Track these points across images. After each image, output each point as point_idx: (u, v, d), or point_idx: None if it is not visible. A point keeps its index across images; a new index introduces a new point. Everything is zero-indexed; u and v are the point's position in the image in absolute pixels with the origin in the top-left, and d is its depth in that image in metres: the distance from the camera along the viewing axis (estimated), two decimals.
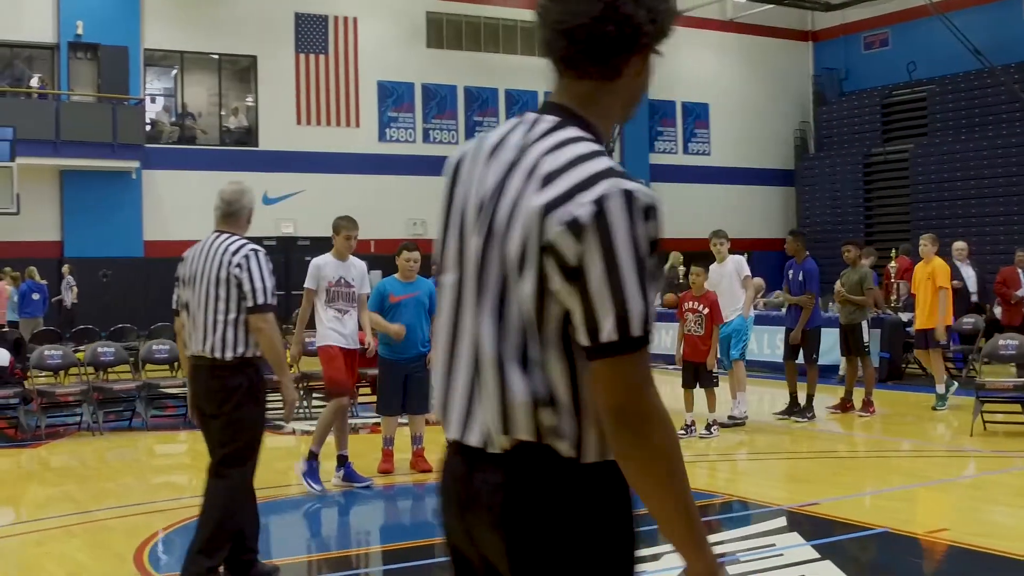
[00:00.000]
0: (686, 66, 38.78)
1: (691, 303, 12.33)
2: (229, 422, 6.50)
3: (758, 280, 16.85)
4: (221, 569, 6.56)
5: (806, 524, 8.27)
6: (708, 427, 12.30)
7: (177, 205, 31.20)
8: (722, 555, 7.23)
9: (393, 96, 34.53)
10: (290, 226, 32.83)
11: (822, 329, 14.03)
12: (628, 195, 2.34)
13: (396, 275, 10.82)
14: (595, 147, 2.48)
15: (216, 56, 32.96)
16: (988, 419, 12.08)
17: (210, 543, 6.37)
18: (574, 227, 2.32)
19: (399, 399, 10.60)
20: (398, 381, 10.53)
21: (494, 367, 2.47)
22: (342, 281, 9.97)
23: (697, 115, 39.29)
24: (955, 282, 16.54)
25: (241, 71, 33.59)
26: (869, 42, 39.04)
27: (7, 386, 13.59)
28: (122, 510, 9.26)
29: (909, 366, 17.80)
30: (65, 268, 27.53)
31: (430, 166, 33.95)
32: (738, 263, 13.07)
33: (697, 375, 12.31)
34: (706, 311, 12.17)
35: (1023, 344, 12.47)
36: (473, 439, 2.51)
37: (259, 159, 32.69)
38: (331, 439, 10.03)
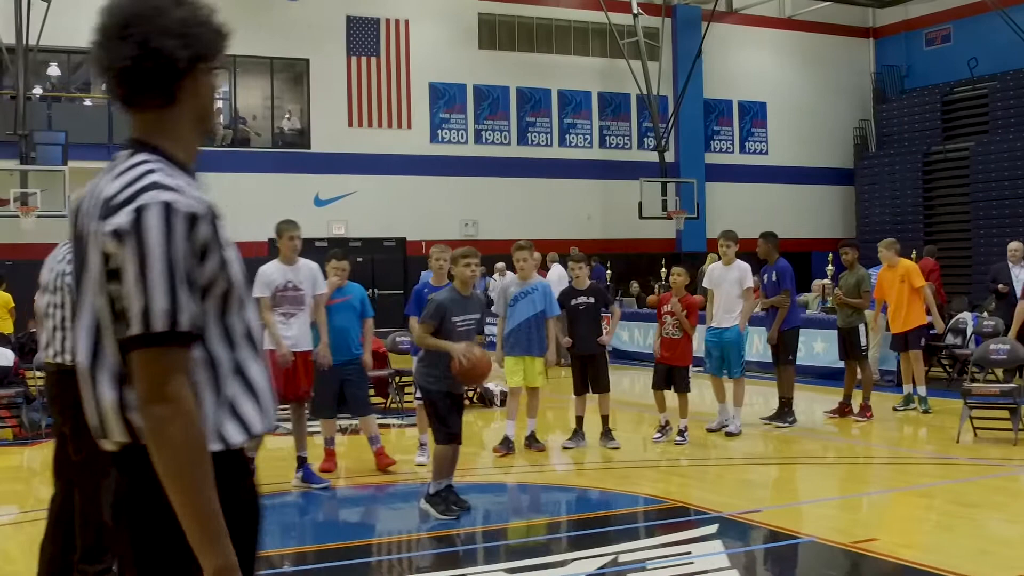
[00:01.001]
0: (743, 65, 38.50)
1: (670, 305, 12.23)
2: None
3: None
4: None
5: (735, 532, 8.17)
6: (681, 432, 12.17)
7: (229, 206, 31.27)
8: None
9: (445, 97, 34.66)
10: (342, 227, 33.11)
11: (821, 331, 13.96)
12: (166, 205, 2.59)
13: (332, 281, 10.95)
14: (151, 167, 2.74)
15: (269, 59, 33.32)
16: (979, 425, 11.84)
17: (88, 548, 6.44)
18: (117, 235, 2.57)
19: (333, 402, 10.68)
20: (331, 384, 10.59)
21: (88, 378, 2.70)
22: (290, 285, 10.01)
23: (754, 114, 38.88)
24: (1002, 285, 16.24)
25: (294, 74, 33.94)
26: (931, 38, 38.35)
27: (11, 386, 13.91)
28: None
29: (932, 369, 17.47)
30: None
31: (482, 167, 34.16)
32: (743, 271, 12.76)
33: (671, 378, 12.20)
34: (684, 312, 12.07)
35: (1015, 349, 12.17)
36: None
37: (311, 161, 33.02)
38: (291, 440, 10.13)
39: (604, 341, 12.12)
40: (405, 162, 33.79)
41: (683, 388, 12.19)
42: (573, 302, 12.14)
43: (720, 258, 13.18)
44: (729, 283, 12.67)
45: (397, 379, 15.47)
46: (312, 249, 32.04)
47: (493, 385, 15.79)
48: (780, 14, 39.00)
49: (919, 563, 7.03)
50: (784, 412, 13.11)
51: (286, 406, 10.19)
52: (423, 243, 33.27)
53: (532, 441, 11.72)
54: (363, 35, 33.58)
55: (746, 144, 38.87)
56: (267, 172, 32.55)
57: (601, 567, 7.24)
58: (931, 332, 14.83)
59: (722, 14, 37.66)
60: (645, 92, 34.52)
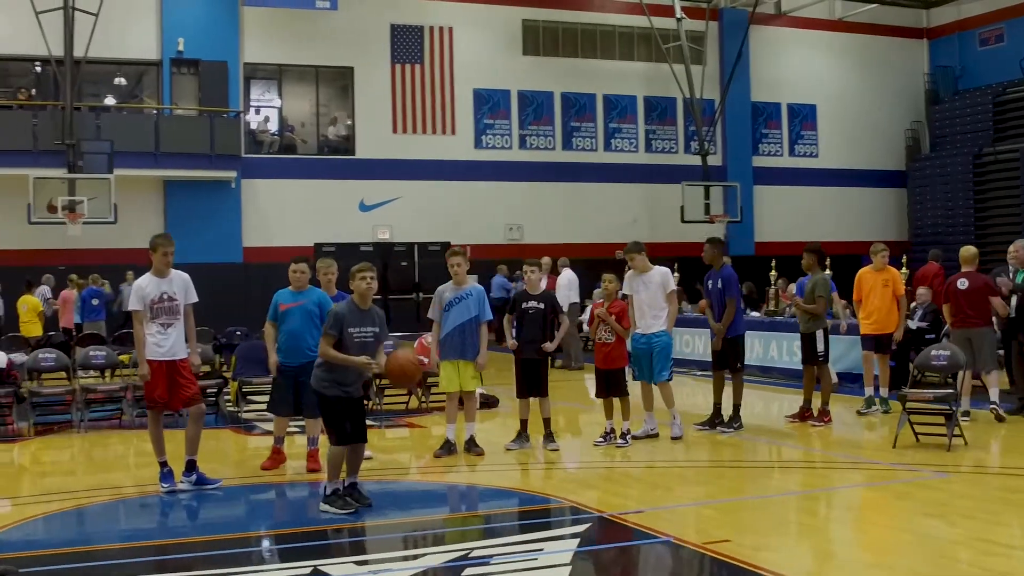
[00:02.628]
0: (792, 67, 38.33)
1: (602, 310, 12.39)
2: None
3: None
4: None
5: (600, 531, 8.37)
6: (623, 435, 12.33)
7: (276, 212, 32.37)
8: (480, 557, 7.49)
9: (489, 103, 35.03)
10: (386, 232, 33.64)
11: (832, 337, 14.04)
12: None
13: (290, 286, 11.31)
14: None
15: (314, 68, 33.97)
16: (921, 431, 11.85)
17: None
18: None
19: (290, 402, 11.07)
20: (289, 385, 11.02)
21: None
22: (164, 296, 10.31)
23: (804, 116, 38.64)
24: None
25: (339, 82, 34.53)
26: (984, 38, 37.83)
27: (2, 386, 14.58)
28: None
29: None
30: (129, 274, 28.77)
31: (527, 172, 34.50)
32: (664, 275, 12.82)
33: (609, 383, 12.36)
34: (613, 318, 12.23)
35: (955, 355, 12.15)
36: None
37: (356, 167, 33.60)
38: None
39: (547, 348, 12.31)
40: (449, 168, 34.23)
41: (621, 392, 12.36)
42: (524, 305, 12.36)
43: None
44: (652, 288, 12.71)
45: (377, 382, 15.82)
46: (357, 254, 32.91)
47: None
48: (830, 16, 38.72)
49: (748, 562, 7.19)
50: (731, 418, 13.16)
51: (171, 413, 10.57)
52: (467, 247, 33.67)
53: (471, 445, 11.97)
54: (407, 43, 34.08)
55: (795, 147, 38.65)
56: (313, 178, 33.20)
57: (447, 561, 7.52)
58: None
59: (770, 16, 37.58)
60: (689, 96, 34.53)
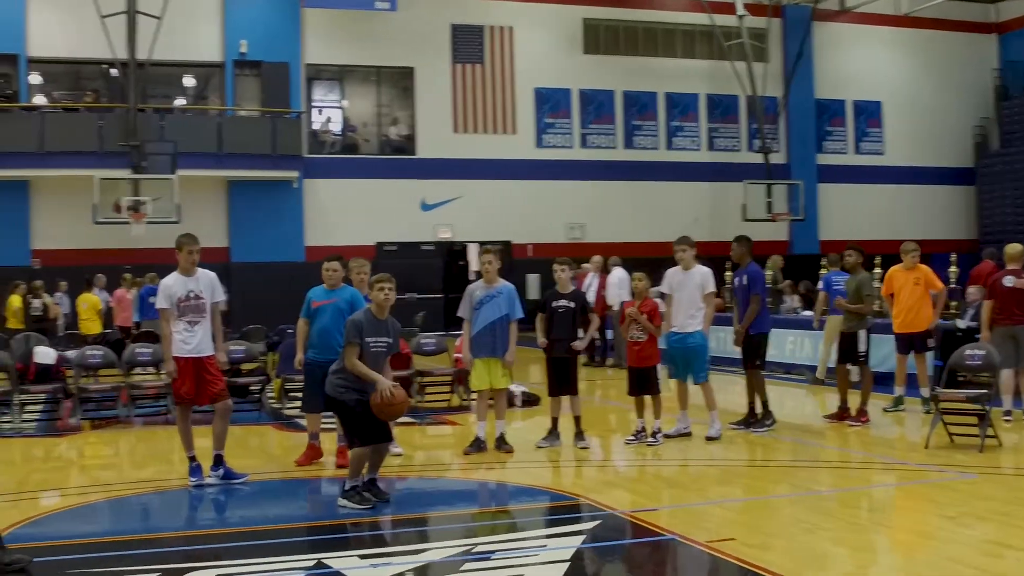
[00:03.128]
0: (857, 63, 37.94)
1: (633, 310, 12.37)
2: None
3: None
4: None
5: (608, 529, 8.38)
6: (653, 434, 12.30)
7: (338, 211, 32.68)
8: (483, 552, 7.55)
9: (550, 102, 35.07)
10: (447, 231, 33.82)
11: (875, 336, 13.90)
12: None
13: (323, 284, 11.46)
14: None
15: (376, 68, 34.24)
16: (955, 431, 11.68)
17: None
18: None
19: (320, 398, 11.17)
20: (319, 381, 11.10)
21: None
22: (191, 295, 10.45)
23: (869, 113, 38.23)
24: None
25: (400, 82, 34.76)
26: None
27: (52, 382, 14.92)
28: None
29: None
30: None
31: (589, 171, 34.50)
32: (704, 275, 12.74)
33: (641, 382, 12.34)
34: (644, 316, 12.21)
35: (989, 354, 11.96)
36: None
37: (417, 167, 33.83)
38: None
39: (577, 347, 12.31)
40: (510, 167, 34.34)
41: (654, 390, 12.34)
42: (554, 304, 12.38)
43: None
44: (691, 288, 12.66)
45: (419, 379, 15.96)
46: (419, 253, 33.16)
47: (515, 386, 16.15)
48: (895, 11, 38.23)
49: (745, 561, 7.17)
50: (763, 416, 13.09)
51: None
52: (529, 247, 33.86)
53: (501, 442, 12.00)
54: (468, 42, 34.25)
55: (860, 144, 38.24)
56: (375, 178, 33.47)
57: (450, 555, 7.59)
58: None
59: (834, 13, 37.22)
60: (751, 93, 34.31)
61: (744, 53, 34.01)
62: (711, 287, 12.66)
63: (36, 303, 22.38)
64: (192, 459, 10.50)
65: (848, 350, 13.71)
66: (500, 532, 8.56)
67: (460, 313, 12.18)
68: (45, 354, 15.00)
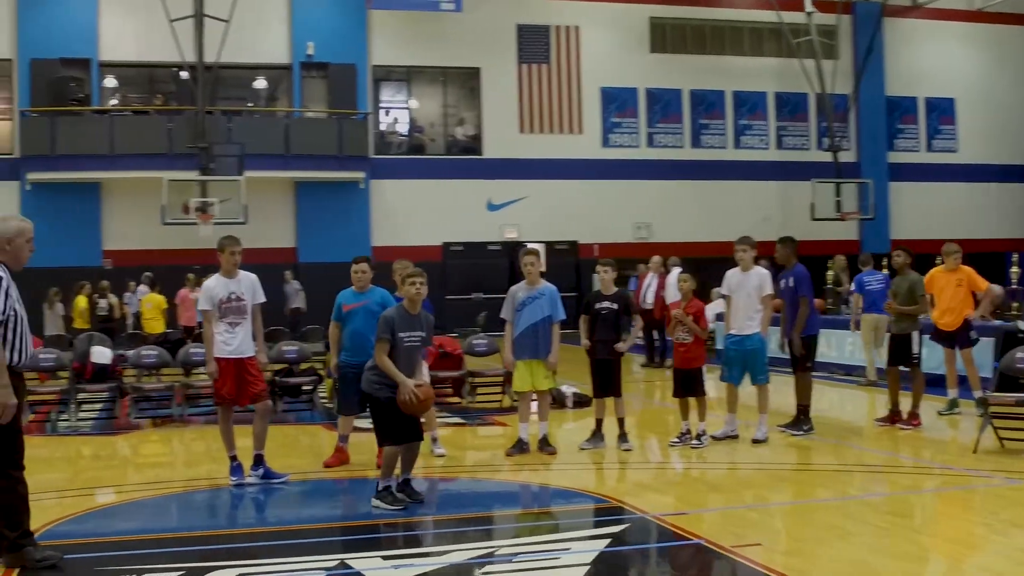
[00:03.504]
0: (929, 59, 37.39)
1: (679, 311, 12.30)
2: None
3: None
4: None
5: (635, 532, 8.33)
6: (698, 436, 12.19)
7: (404, 212, 32.86)
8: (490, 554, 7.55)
9: (616, 102, 34.99)
10: (514, 231, 33.86)
11: (925, 337, 13.69)
12: None
13: (352, 286, 11.50)
14: None
15: (442, 69, 34.37)
16: (1005, 436, 11.44)
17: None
18: None
19: (355, 401, 11.22)
20: (353, 384, 11.15)
21: None
22: (233, 296, 10.53)
23: (942, 110, 37.64)
24: None
25: (466, 83, 34.87)
26: None
27: (108, 381, 15.17)
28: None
29: None
30: (287, 274, 29.46)
31: (656, 170, 34.36)
32: (763, 277, 12.56)
33: (686, 384, 12.25)
34: (690, 318, 12.13)
35: None
36: None
37: (483, 167, 33.93)
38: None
39: (620, 349, 12.25)
40: (577, 166, 34.31)
41: (699, 392, 12.24)
42: (597, 306, 12.32)
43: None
44: (749, 290, 12.55)
45: (471, 380, 15.99)
46: (485, 253, 33.24)
47: (566, 387, 16.13)
48: (969, 6, 37.60)
49: (768, 567, 7.08)
50: (800, 420, 12.90)
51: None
52: (595, 246, 33.78)
53: (544, 444, 11.97)
54: (534, 43, 34.27)
55: (933, 142, 37.67)
56: (441, 178, 33.61)
57: (472, 557, 7.59)
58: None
59: (905, 8, 36.71)
60: (820, 91, 33.93)
61: (813, 50, 33.66)
62: (769, 289, 12.51)
63: (102, 303, 22.77)
64: (233, 459, 10.60)
65: (900, 352, 13.49)
66: (526, 534, 8.53)
67: (503, 315, 12.15)
68: (101, 354, 15.23)
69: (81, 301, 22.24)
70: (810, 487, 10.35)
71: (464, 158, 34.25)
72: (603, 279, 12.47)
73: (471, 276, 32.99)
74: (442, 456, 11.78)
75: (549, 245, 34.63)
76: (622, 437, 12.19)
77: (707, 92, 35.65)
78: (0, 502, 7.51)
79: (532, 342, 11.91)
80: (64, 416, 14.73)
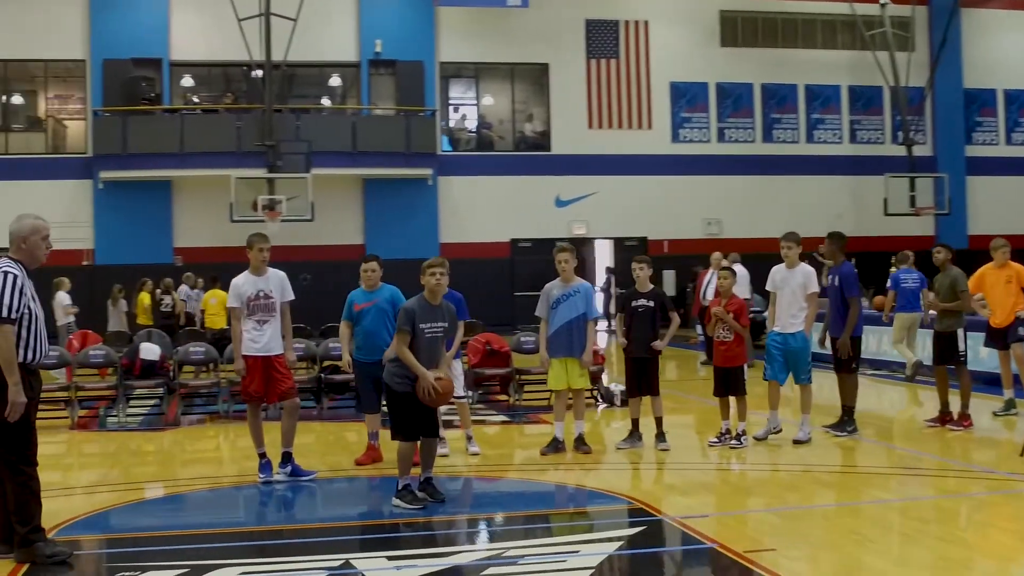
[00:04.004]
0: (1008, 51, 36.53)
1: (719, 309, 12.08)
2: None
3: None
4: None
5: (649, 535, 8.18)
6: (737, 437, 11.97)
7: (472, 209, 32.85)
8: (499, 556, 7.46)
9: (686, 96, 34.65)
10: (582, 227, 33.71)
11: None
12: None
13: (362, 285, 11.47)
14: None
15: (510, 65, 34.31)
16: None
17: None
18: None
19: (374, 399, 11.20)
20: (370, 383, 11.14)
21: None
22: (261, 294, 10.57)
23: (1022, 103, 36.71)
24: None
25: (534, 79, 34.75)
26: None
27: (157, 377, 15.31)
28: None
29: None
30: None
31: (726, 165, 33.98)
32: (808, 275, 12.29)
33: (726, 382, 12.04)
34: (731, 315, 11.93)
35: None
36: None
37: (551, 163, 33.79)
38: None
39: (658, 347, 12.07)
40: (646, 162, 34.04)
41: (739, 391, 12.02)
42: (633, 304, 12.17)
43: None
44: (793, 287, 12.29)
45: (518, 378, 15.89)
46: (553, 249, 33.07)
47: (614, 385, 15.99)
48: None
49: (775, 573, 6.95)
50: (844, 421, 12.59)
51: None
52: (665, 242, 33.52)
53: (580, 443, 11.83)
54: (602, 38, 34.06)
55: (1013, 135, 36.79)
56: (509, 175, 33.54)
57: (479, 559, 7.51)
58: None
59: None
60: (894, 84, 33.30)
61: (887, 43, 33.04)
62: (814, 287, 12.27)
63: (166, 300, 22.99)
64: (262, 456, 10.64)
65: (945, 350, 13.14)
66: (538, 536, 8.42)
67: (537, 312, 12.05)
68: (149, 350, 15.38)
69: (144, 298, 22.49)
70: (843, 490, 10.11)
71: (532, 154, 34.13)
72: (639, 276, 12.31)
73: (539, 272, 32.72)
74: (476, 455, 11.71)
75: (618, 241, 34.53)
76: (659, 437, 12.02)
77: (779, 86, 35.16)
78: (13, 498, 7.60)
79: (567, 340, 11.78)
80: (112, 413, 14.88)
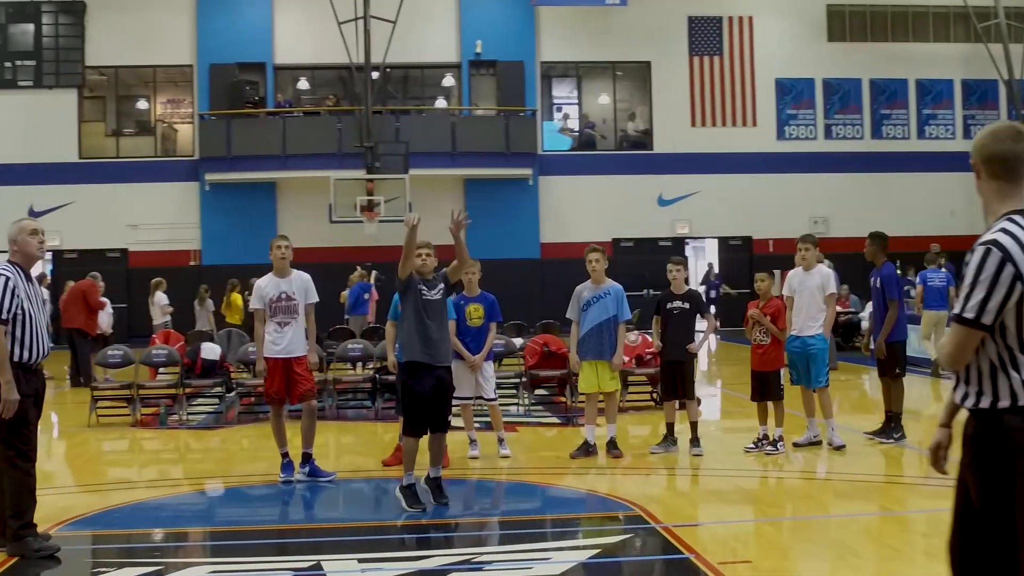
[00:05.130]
0: None
1: (755, 311, 11.82)
2: None
3: None
4: None
5: (630, 544, 8.01)
6: (774, 443, 11.69)
7: (573, 208, 32.76)
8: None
9: (792, 93, 34.04)
10: (685, 227, 33.40)
11: None
12: None
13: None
14: None
15: (611, 64, 34.13)
16: None
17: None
18: None
19: None
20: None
21: None
22: (283, 296, 10.58)
23: None
24: None
25: (636, 77, 34.52)
26: None
27: (216, 376, 15.63)
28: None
29: None
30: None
31: (833, 163, 33.32)
32: (825, 277, 11.97)
33: (763, 387, 11.76)
34: (768, 318, 11.66)
35: None
36: None
37: (654, 162, 33.52)
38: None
39: (693, 349, 11.87)
40: (750, 160, 33.55)
41: (776, 396, 11.74)
42: (669, 306, 11.99)
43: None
44: (811, 290, 11.97)
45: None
46: (656, 249, 32.85)
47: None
48: None
49: None
50: (890, 428, 12.19)
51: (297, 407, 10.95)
52: (770, 241, 33.00)
53: (612, 447, 11.69)
54: (705, 35, 33.68)
55: None
56: (611, 174, 33.37)
57: (445, 563, 7.48)
58: None
59: None
60: (1008, 77, 32.25)
61: (1001, 35, 32.01)
62: (831, 288, 11.99)
63: None
64: (284, 455, 10.74)
65: None
66: (515, 541, 8.30)
67: (568, 315, 11.95)
68: (210, 350, 15.70)
69: (236, 299, 22.90)
70: (854, 500, 9.78)
71: (634, 153, 33.90)
72: (675, 278, 12.11)
73: (642, 272, 32.61)
74: (507, 457, 11.67)
75: (722, 240, 34.15)
76: (694, 442, 11.84)
77: (888, 81, 34.31)
78: (9, 492, 7.83)
79: (597, 342, 11.67)
80: (173, 411, 15.21)
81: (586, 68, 34.38)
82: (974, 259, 4.10)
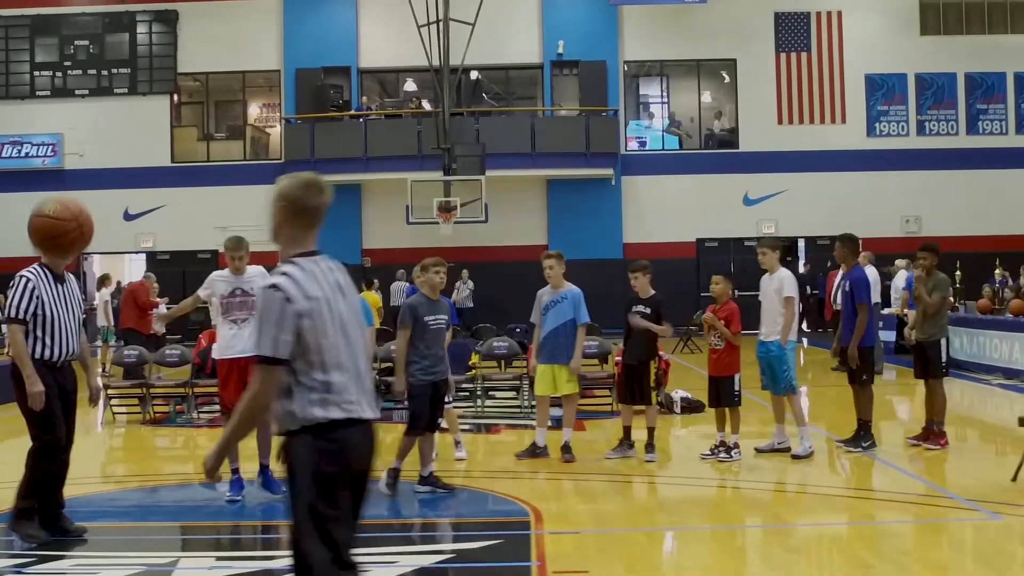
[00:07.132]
0: None
1: (709, 315, 11.65)
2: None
3: None
4: None
5: (489, 549, 7.96)
6: (728, 449, 11.52)
7: (657, 208, 32.59)
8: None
9: (883, 89, 33.26)
10: (771, 226, 32.90)
11: None
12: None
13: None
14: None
15: (696, 62, 33.82)
16: None
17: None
18: None
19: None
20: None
21: None
22: (238, 292, 10.05)
23: None
24: None
25: (721, 75, 34.15)
26: None
27: None
28: None
29: None
30: (464, 273, 29.92)
31: (926, 160, 32.49)
32: (781, 280, 11.73)
33: (718, 392, 11.60)
34: (722, 322, 11.48)
35: None
36: None
37: (740, 161, 33.13)
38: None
39: (635, 322, 11.58)
40: (839, 158, 32.92)
41: (731, 402, 11.58)
42: (634, 309, 11.95)
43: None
44: (770, 294, 11.75)
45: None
46: (741, 249, 32.47)
47: (675, 392, 15.68)
48: None
49: None
50: (859, 436, 11.86)
51: None
52: (860, 241, 32.19)
53: (565, 451, 11.66)
54: (792, 30, 33.14)
55: None
56: (696, 173, 33.10)
57: (287, 564, 7.63)
58: None
59: None
60: None
61: None
62: (788, 291, 11.75)
63: None
64: (235, 471, 10.04)
65: (931, 363, 12.23)
66: (371, 544, 8.33)
67: (532, 319, 12.05)
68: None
69: None
70: (761, 512, 9.58)
71: (718, 152, 33.55)
72: (636, 284, 12.03)
73: (726, 273, 32.23)
74: (462, 460, 11.76)
75: (810, 240, 33.56)
76: (648, 447, 11.74)
77: (985, 75, 33.25)
78: (30, 471, 8.21)
79: (553, 346, 11.71)
80: (183, 410, 15.67)
81: (670, 66, 34.10)
82: None
